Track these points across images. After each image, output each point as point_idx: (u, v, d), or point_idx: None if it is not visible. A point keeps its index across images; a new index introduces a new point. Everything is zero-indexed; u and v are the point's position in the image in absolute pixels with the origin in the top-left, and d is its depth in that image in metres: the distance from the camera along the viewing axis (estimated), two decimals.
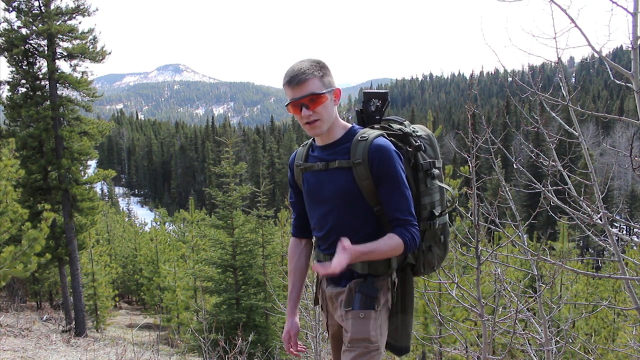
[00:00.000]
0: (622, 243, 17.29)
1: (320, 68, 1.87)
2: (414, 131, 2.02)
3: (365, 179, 1.84)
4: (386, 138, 1.89)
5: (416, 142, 1.96)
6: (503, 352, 4.36)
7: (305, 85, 1.82)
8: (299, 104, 1.84)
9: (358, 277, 1.92)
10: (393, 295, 1.94)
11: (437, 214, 1.99)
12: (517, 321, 3.01)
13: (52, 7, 11.40)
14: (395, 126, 2.01)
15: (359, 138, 1.87)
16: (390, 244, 1.82)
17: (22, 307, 13.68)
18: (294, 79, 1.82)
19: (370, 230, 1.89)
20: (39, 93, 11.65)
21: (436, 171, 2.00)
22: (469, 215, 3.03)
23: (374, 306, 1.86)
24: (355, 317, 1.86)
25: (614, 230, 2.65)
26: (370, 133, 1.88)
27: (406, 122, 2.07)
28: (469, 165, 2.96)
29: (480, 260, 2.94)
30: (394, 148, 1.87)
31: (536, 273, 3.23)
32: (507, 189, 3.28)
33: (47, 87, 11.68)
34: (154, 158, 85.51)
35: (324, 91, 1.84)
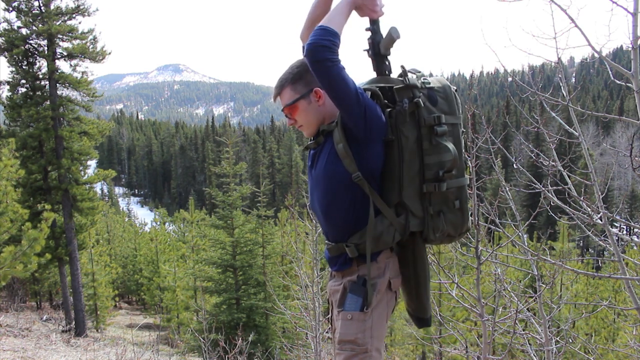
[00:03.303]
0: (622, 243, 17.29)
1: (294, 72, 1.89)
2: (424, 83, 1.86)
3: (339, 142, 1.78)
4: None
5: (417, 95, 1.81)
6: (503, 352, 4.35)
7: (281, 98, 1.93)
8: (285, 114, 1.96)
9: (350, 273, 1.87)
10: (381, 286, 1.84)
11: (440, 174, 1.80)
12: (517, 321, 3.02)
13: (52, 7, 11.41)
14: (395, 77, 1.87)
15: None
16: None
17: (22, 307, 13.68)
18: (274, 93, 1.96)
19: (353, 199, 1.80)
20: (39, 93, 11.66)
21: (443, 127, 1.81)
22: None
23: (363, 308, 1.81)
24: (344, 318, 1.83)
25: (614, 230, 2.65)
26: None
27: (419, 74, 1.91)
28: (469, 165, 2.95)
29: (480, 260, 2.94)
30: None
31: (536, 273, 3.23)
32: (507, 189, 3.28)
33: (47, 87, 11.69)
34: (154, 158, 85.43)
35: (295, 99, 1.88)
